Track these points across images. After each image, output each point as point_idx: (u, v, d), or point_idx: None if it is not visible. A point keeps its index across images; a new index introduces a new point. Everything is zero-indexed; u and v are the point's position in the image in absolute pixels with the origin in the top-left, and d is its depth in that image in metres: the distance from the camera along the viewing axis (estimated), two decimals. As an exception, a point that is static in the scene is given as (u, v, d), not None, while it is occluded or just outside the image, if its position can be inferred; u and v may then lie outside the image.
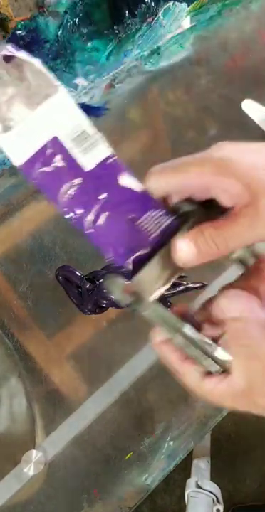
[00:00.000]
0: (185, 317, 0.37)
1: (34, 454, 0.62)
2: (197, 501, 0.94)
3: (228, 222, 0.35)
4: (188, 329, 0.36)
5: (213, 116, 0.89)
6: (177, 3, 0.94)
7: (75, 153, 0.35)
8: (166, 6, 0.93)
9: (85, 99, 0.87)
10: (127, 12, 0.90)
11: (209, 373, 0.36)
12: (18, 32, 0.85)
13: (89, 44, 0.89)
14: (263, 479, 1.29)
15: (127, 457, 0.64)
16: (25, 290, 0.73)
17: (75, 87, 0.88)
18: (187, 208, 0.37)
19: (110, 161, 0.35)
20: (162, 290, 0.37)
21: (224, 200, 0.35)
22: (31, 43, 0.86)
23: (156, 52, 0.95)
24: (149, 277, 0.37)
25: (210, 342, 0.35)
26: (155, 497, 1.27)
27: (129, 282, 0.36)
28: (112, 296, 0.39)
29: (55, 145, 0.34)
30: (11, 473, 0.62)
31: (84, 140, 0.35)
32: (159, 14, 0.93)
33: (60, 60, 0.87)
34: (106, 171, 0.36)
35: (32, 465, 0.62)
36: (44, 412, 0.66)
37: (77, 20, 0.87)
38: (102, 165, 0.35)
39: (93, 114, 0.85)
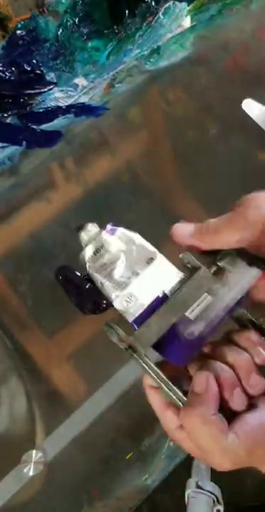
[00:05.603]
0: (176, 374, 0.39)
1: (34, 455, 0.62)
2: (197, 502, 0.94)
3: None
4: (165, 387, 0.39)
5: (213, 115, 0.88)
6: (177, 2, 0.94)
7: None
8: (166, 6, 0.93)
9: (85, 99, 0.87)
10: (127, 12, 0.90)
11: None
12: (18, 31, 0.85)
13: (89, 44, 0.89)
14: (264, 480, 1.29)
15: (127, 457, 0.64)
16: (25, 290, 0.73)
17: (75, 86, 0.88)
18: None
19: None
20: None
21: None
22: (31, 42, 0.86)
23: (156, 51, 0.94)
24: (147, 333, 0.39)
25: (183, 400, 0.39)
26: (155, 497, 1.27)
27: (124, 335, 0.40)
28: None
29: (164, 298, 0.40)
30: (10, 474, 0.61)
31: None
32: (160, 14, 0.93)
33: (60, 59, 0.87)
34: None
35: (32, 465, 0.61)
36: (44, 412, 0.66)
37: (77, 19, 0.87)
38: None
39: (93, 114, 0.85)
